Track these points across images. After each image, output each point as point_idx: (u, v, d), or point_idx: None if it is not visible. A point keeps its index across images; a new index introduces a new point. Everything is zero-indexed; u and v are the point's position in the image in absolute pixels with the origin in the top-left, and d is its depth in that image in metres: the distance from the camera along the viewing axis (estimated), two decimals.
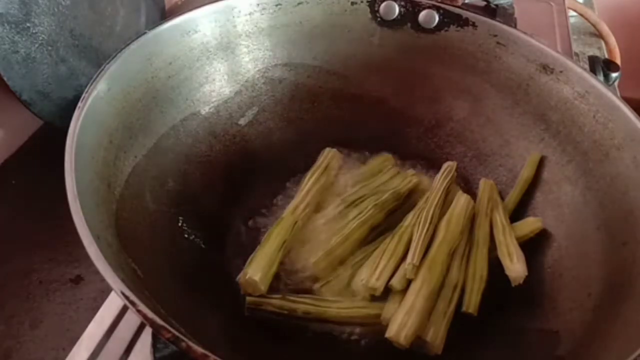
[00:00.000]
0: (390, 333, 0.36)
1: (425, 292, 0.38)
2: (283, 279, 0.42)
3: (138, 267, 0.32)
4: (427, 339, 0.37)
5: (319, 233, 0.44)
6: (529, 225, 0.44)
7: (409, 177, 0.48)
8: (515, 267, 0.40)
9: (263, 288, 0.39)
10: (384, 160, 0.51)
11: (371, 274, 0.40)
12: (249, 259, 0.41)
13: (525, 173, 0.46)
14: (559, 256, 0.41)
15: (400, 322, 0.36)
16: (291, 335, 0.39)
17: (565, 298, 0.38)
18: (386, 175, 0.49)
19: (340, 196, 0.47)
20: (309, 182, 0.47)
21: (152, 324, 0.25)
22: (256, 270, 0.39)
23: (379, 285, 0.39)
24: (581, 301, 0.36)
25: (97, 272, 0.26)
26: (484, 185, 0.47)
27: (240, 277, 0.40)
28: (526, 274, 0.40)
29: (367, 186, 0.47)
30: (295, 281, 0.42)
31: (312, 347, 0.39)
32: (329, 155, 0.49)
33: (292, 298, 0.39)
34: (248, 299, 0.39)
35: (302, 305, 0.39)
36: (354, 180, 0.49)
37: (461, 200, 0.44)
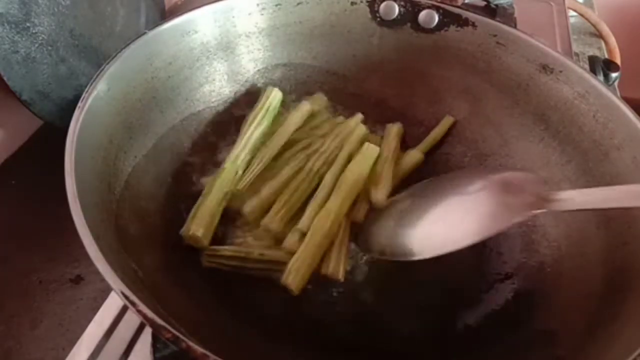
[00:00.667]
0: (285, 280, 0.39)
1: (318, 239, 0.41)
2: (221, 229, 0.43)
3: (138, 267, 0.32)
4: (327, 273, 0.40)
5: (255, 182, 0.45)
6: (412, 157, 0.49)
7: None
8: (377, 195, 0.44)
9: (205, 242, 0.40)
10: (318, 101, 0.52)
11: (272, 217, 0.42)
12: (192, 212, 0.41)
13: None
14: (559, 256, 0.41)
15: (293, 270, 0.39)
16: (292, 335, 0.39)
17: (565, 298, 0.38)
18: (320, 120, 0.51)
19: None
20: (250, 127, 0.46)
21: (152, 324, 0.25)
22: (199, 226, 0.40)
23: (275, 228, 0.42)
24: (581, 301, 0.36)
25: (97, 272, 0.26)
26: (390, 130, 0.50)
27: (183, 231, 0.41)
28: (384, 202, 0.43)
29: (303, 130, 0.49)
30: (232, 232, 0.44)
31: (313, 346, 0.39)
32: (270, 95, 0.49)
33: (244, 246, 0.41)
34: (205, 252, 0.40)
35: (256, 249, 0.41)
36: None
37: (367, 149, 0.47)
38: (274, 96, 0.48)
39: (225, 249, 0.41)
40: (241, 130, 0.47)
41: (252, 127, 0.46)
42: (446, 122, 0.51)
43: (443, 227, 0.37)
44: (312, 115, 0.50)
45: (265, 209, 0.43)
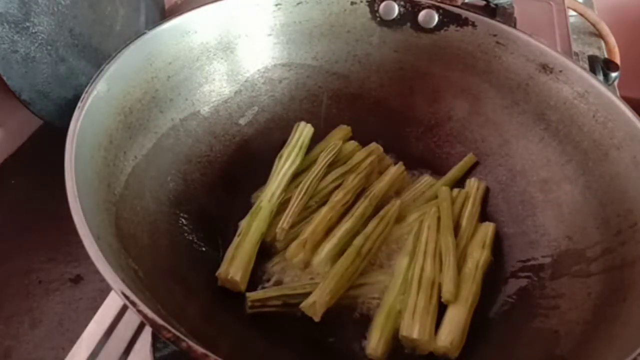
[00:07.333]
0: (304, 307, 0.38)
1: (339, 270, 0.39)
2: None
3: (138, 267, 0.32)
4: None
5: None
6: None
7: (370, 155, 0.49)
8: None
9: (243, 287, 0.39)
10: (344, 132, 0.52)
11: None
12: (229, 254, 0.40)
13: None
14: (559, 256, 0.41)
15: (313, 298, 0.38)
16: (291, 335, 0.39)
17: (565, 298, 0.38)
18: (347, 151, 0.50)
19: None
20: (285, 165, 0.46)
21: (153, 324, 0.25)
22: (237, 269, 0.39)
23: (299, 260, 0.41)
24: (581, 301, 0.37)
25: (97, 272, 0.26)
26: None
27: (220, 273, 0.40)
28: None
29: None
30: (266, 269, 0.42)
31: (313, 345, 0.39)
32: (304, 132, 0.48)
33: (289, 289, 0.40)
34: (249, 299, 0.39)
35: (299, 284, 0.39)
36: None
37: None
38: (306, 133, 0.48)
39: (270, 292, 0.39)
40: (274, 167, 0.46)
41: (286, 165, 0.46)
42: (469, 160, 0.50)
43: None
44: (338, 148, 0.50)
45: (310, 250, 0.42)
